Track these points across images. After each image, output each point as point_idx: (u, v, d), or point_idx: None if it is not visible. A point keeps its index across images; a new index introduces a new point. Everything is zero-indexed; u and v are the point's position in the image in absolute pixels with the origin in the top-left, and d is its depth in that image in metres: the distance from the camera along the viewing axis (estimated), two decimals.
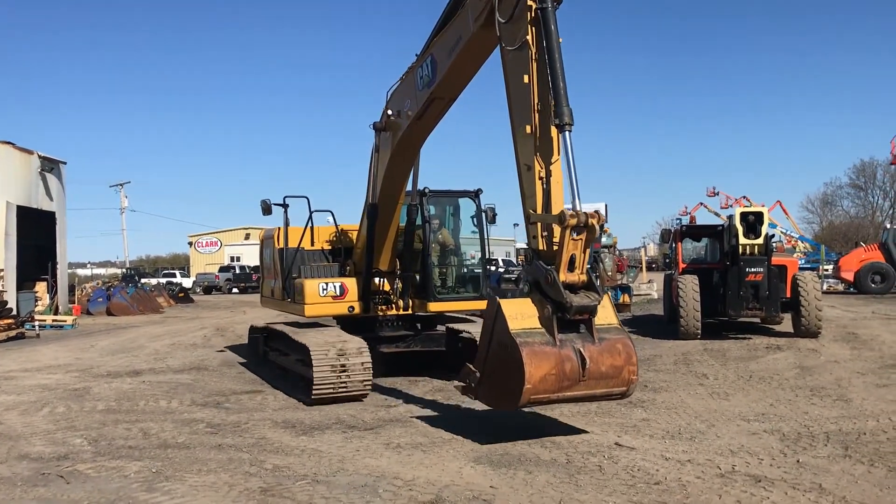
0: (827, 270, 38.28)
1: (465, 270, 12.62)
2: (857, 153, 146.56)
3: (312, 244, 12.89)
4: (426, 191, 11.67)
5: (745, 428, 8.34)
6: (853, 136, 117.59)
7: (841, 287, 33.73)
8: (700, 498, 5.94)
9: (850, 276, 32.00)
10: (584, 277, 7.37)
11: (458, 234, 12.49)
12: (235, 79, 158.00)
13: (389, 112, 10.31)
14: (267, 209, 12.36)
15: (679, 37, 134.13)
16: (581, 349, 7.19)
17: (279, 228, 12.96)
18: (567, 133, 7.15)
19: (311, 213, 12.78)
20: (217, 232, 76.82)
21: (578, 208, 7.13)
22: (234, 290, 52.90)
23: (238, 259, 64.00)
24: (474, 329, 11.17)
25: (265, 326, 13.60)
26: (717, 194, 60.33)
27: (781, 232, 50.60)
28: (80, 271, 72.18)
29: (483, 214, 12.22)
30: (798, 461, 6.93)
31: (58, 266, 29.30)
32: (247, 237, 74.15)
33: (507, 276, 24.55)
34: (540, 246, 7.61)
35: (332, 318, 12.30)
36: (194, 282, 57.09)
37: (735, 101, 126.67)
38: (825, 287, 31.60)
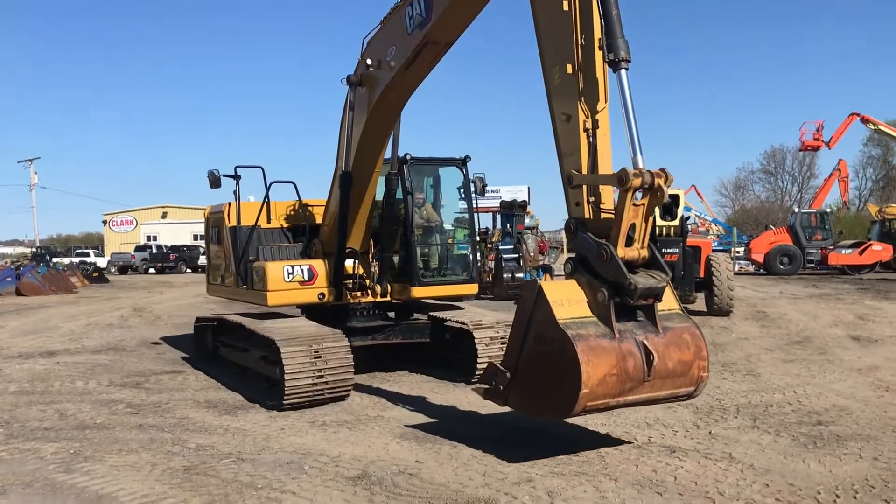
0: (738, 252, 39.77)
1: (452, 250, 11.27)
2: (768, 140, 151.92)
3: (269, 221, 11.19)
4: (408, 158, 10.19)
5: None
6: (765, 123, 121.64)
7: (751, 268, 35.15)
8: (618, 468, 6.17)
9: (760, 258, 33.40)
10: (645, 253, 6.11)
11: (439, 207, 11.18)
12: (151, 47, 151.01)
13: (368, 62, 8.68)
14: (215, 181, 10.64)
15: None
16: (645, 342, 5.99)
17: (230, 204, 11.21)
18: (623, 71, 5.99)
19: (269, 185, 11.02)
20: (133, 210, 74.70)
21: (641, 165, 5.88)
22: (151, 270, 51.73)
23: (155, 238, 62.50)
24: (462, 316, 10.27)
25: (216, 317, 11.84)
26: None
27: (696, 215, 52.26)
28: None
29: (472, 185, 10.92)
30: (710, 432, 7.25)
31: None
32: (164, 216, 72.46)
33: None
34: (586, 214, 6.33)
35: (296, 308, 10.90)
36: (109, 261, 55.54)
37: (652, 87, 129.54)
38: (737, 268, 32.84)
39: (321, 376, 8.47)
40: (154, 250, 54.26)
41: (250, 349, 10.07)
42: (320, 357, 8.50)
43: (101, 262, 53.08)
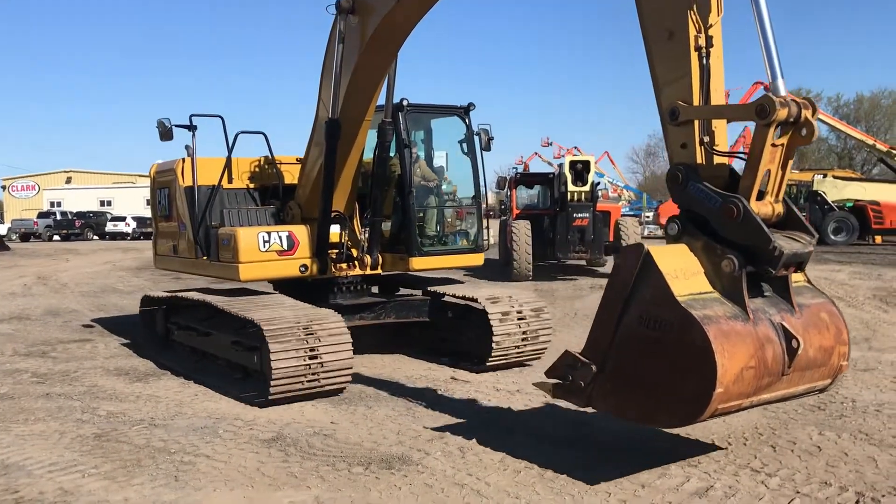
0: (648, 217, 40.96)
1: (455, 213, 9.94)
2: None
3: (230, 181, 9.46)
4: (404, 104, 8.79)
5: None
6: None
7: (660, 232, 36.26)
8: (528, 424, 6.42)
9: None
10: (780, 209, 4.93)
11: (432, 162, 9.94)
12: None
13: None
14: (166, 133, 9.01)
15: None
16: (783, 324, 4.80)
17: (183, 160, 9.42)
18: None
19: (234, 137, 9.32)
20: (34, 175, 71.65)
21: (784, 93, 4.60)
22: (56, 237, 49.89)
23: (59, 204, 60.13)
24: (465, 292, 8.90)
25: (170, 296, 9.96)
26: (551, 144, 62.61)
27: (608, 181, 53.47)
28: None
29: (476, 138, 9.57)
30: None
31: None
32: (68, 181, 69.85)
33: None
34: (698, 158, 4.96)
35: (268, 282, 9.44)
36: (10, 228, 53.22)
37: (564, 56, 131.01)
38: (646, 232, 33.90)
39: (316, 366, 7.13)
40: (58, 216, 52.33)
41: (216, 333, 8.63)
42: (314, 344, 7.14)
43: (1, 229, 50.87)
